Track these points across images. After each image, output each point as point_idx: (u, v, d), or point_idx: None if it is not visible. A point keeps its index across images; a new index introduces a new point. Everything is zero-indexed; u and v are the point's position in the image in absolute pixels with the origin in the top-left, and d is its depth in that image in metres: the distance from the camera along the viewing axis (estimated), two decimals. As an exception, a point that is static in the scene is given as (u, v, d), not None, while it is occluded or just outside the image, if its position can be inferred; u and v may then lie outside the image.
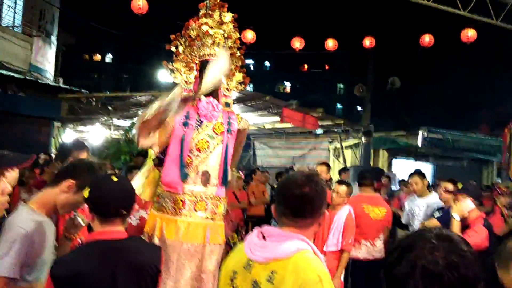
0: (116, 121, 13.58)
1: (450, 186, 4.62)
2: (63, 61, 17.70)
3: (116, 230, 1.93)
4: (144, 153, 8.12)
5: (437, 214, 4.80)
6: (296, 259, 1.54)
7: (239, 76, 3.68)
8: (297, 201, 1.65)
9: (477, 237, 3.52)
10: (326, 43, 12.82)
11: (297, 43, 12.32)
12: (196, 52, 3.51)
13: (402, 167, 12.40)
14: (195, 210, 3.22)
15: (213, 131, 3.33)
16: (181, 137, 3.25)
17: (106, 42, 35.10)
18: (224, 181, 3.32)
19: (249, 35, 11.39)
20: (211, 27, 3.48)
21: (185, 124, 3.28)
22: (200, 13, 3.56)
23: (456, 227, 3.70)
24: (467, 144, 12.53)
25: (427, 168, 12.90)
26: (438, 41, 11.54)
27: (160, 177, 3.35)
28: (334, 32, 13.26)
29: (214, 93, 3.41)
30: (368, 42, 12.74)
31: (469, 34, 10.16)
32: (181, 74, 3.53)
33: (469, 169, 13.02)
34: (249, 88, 31.00)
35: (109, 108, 12.62)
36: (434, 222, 4.50)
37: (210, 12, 3.52)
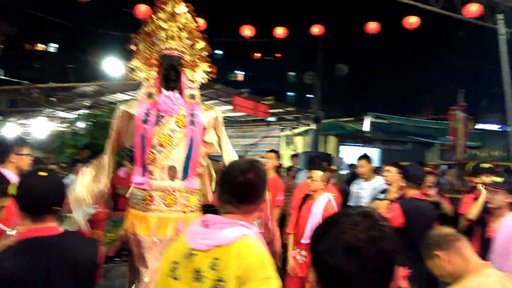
0: (61, 113, 13.06)
1: (392, 169, 4.78)
2: (4, 52, 16.78)
3: (49, 227, 1.86)
4: (90, 146, 7.90)
5: (381, 196, 4.96)
6: (239, 245, 1.56)
7: (204, 66, 3.68)
8: (241, 187, 1.68)
9: (388, 214, 3.69)
10: (276, 31, 12.88)
11: (247, 31, 12.31)
12: (153, 48, 3.51)
13: (350, 152, 12.78)
14: (165, 205, 3.30)
15: (176, 125, 3.36)
16: (141, 135, 3.30)
17: (49, 31, 33.55)
18: (185, 174, 3.36)
19: (199, 23, 11.23)
20: (164, 21, 3.48)
21: (145, 121, 3.34)
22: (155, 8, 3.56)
23: (382, 206, 4.09)
24: (411, 128, 13.03)
25: (374, 153, 13.34)
26: (384, 28, 11.85)
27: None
28: (283, 20, 13.34)
29: (177, 86, 3.46)
30: (316, 29, 12.91)
31: (412, 20, 10.51)
32: (141, 72, 3.53)
33: (414, 152, 13.57)
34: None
35: (53, 99, 12.10)
36: (378, 204, 4.67)
37: (162, 5, 3.52)
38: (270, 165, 5.73)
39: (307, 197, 4.60)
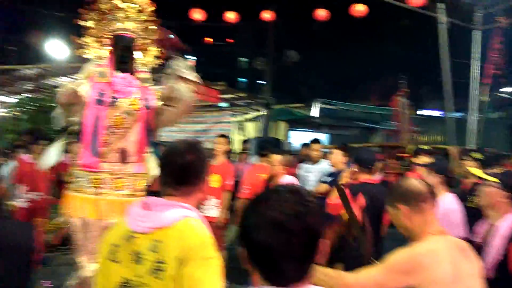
0: (0, 97, 12.37)
1: (337, 152, 4.93)
2: None
3: None
4: (32, 132, 7.55)
5: (327, 179, 5.09)
6: (180, 227, 1.54)
7: (154, 50, 3.66)
8: (180, 169, 1.66)
9: (337, 200, 3.81)
10: (227, 16, 12.74)
11: (198, 15, 12.09)
12: (108, 27, 3.42)
13: (300, 137, 13.03)
14: (115, 188, 3.24)
15: (130, 107, 3.31)
16: (95, 115, 3.22)
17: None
18: (136, 157, 3.34)
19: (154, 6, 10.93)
20: (123, 1, 3.41)
21: (99, 102, 3.24)
22: None
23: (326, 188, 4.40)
24: (358, 114, 13.46)
25: (323, 138, 13.66)
26: (333, 16, 11.99)
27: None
28: (234, 5, 13.21)
29: (130, 68, 3.41)
30: (267, 15, 12.90)
31: (359, 8, 10.72)
32: (91, 49, 3.45)
33: (360, 137, 14.02)
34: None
35: (-8, 83, 11.42)
36: (323, 187, 4.80)
37: None
38: (220, 150, 5.72)
39: (270, 181, 4.62)
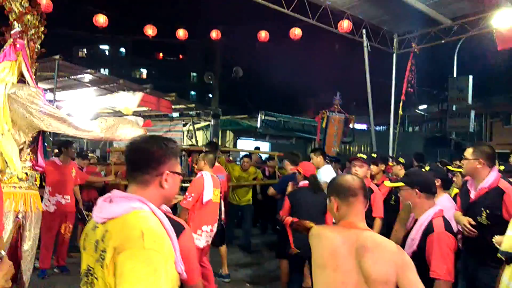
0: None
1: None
2: None
3: None
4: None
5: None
6: (127, 218, 1.48)
7: None
8: (133, 153, 1.62)
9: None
10: (177, 33, 12.66)
11: (150, 31, 11.93)
12: None
13: (245, 145, 13.15)
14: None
15: None
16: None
17: None
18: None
19: (101, 19, 10.64)
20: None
21: None
22: None
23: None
24: (295, 125, 13.81)
25: (265, 146, 13.89)
26: (273, 37, 12.25)
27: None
28: (184, 23, 13.17)
29: None
30: (214, 34, 12.96)
31: (296, 32, 11.04)
32: None
33: (297, 146, 14.38)
34: (106, 72, 29.03)
35: None
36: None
37: None
38: None
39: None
